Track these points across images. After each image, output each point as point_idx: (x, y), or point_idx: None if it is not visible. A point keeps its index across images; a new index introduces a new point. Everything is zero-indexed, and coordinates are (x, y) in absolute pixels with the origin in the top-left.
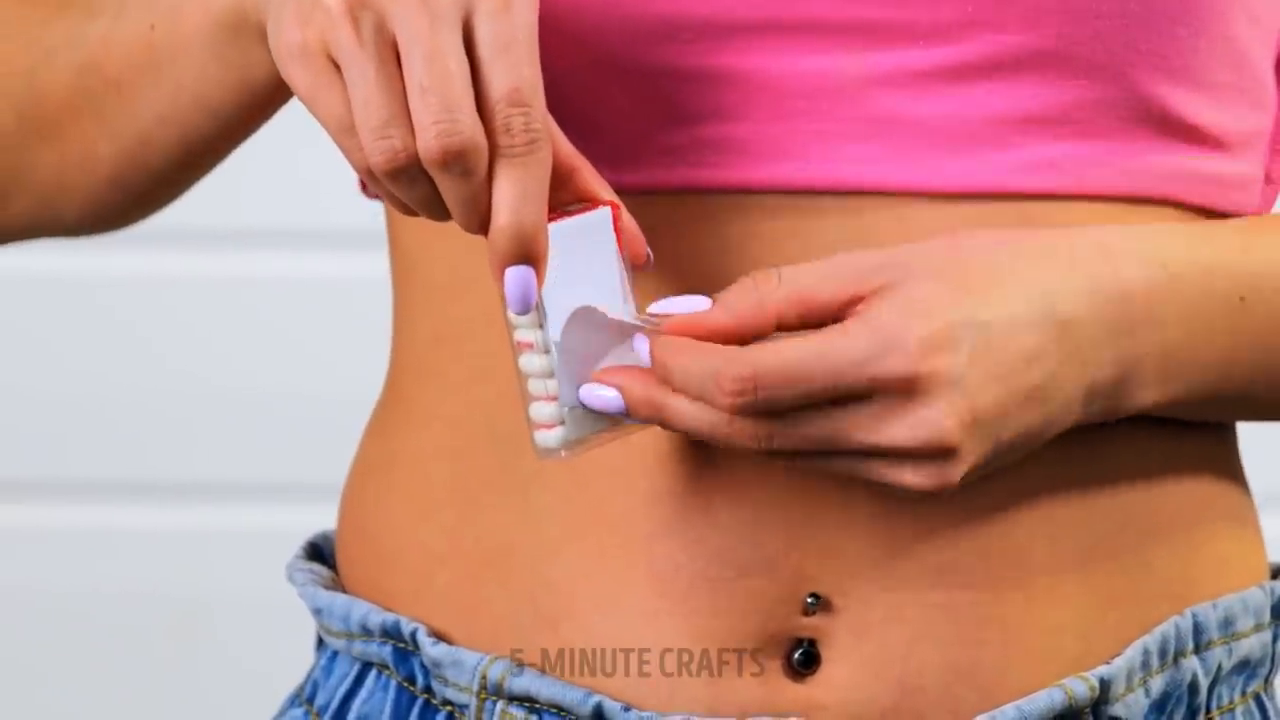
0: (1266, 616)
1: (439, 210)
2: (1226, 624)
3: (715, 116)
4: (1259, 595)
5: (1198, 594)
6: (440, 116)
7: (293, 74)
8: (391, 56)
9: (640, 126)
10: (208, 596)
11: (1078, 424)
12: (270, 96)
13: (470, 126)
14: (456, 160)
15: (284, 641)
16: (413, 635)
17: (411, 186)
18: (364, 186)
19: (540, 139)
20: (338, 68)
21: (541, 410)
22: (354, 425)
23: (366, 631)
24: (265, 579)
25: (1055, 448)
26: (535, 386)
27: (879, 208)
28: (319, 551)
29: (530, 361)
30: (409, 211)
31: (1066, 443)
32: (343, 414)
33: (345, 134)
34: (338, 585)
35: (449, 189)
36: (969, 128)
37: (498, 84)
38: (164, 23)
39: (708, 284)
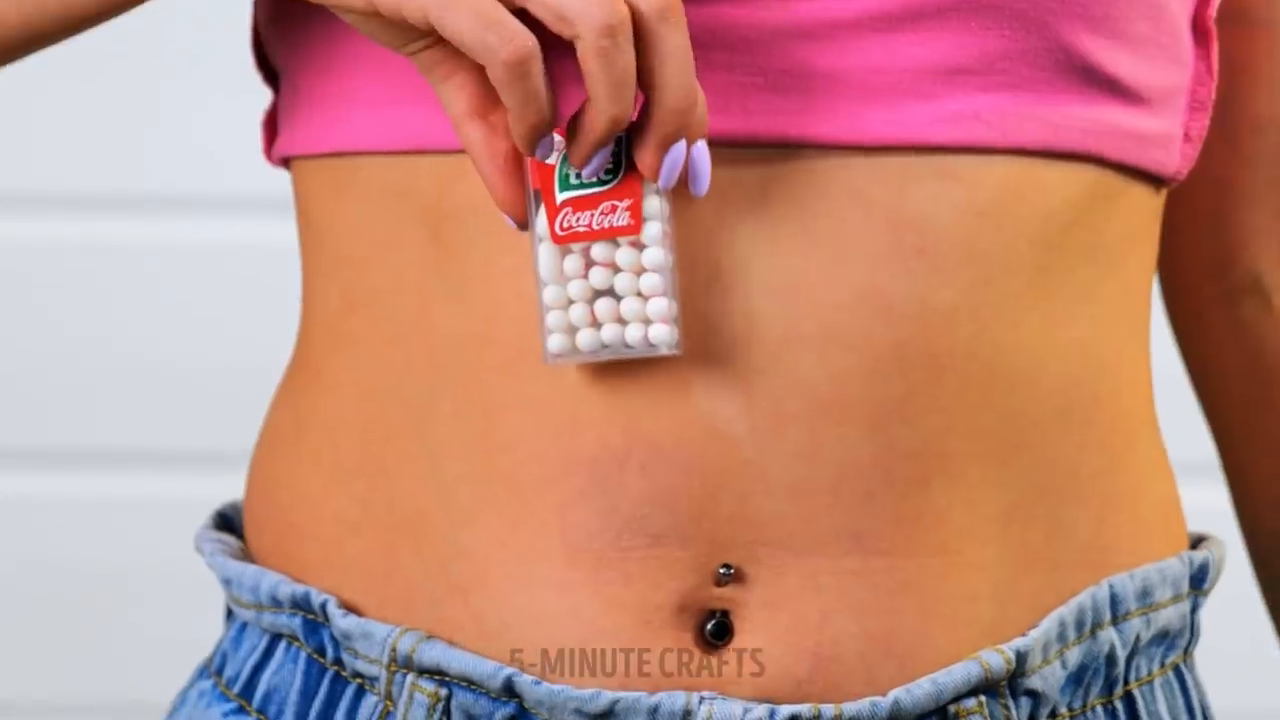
0: (1185, 587)
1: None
2: (1144, 594)
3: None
4: (1177, 566)
5: (1116, 560)
6: (507, 36)
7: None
8: None
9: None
10: (119, 566)
11: None
12: None
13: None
14: (623, 26)
15: (197, 611)
16: (323, 607)
17: (529, 81)
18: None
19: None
20: None
21: (647, 306)
22: (264, 393)
23: (276, 603)
24: (177, 548)
25: (973, 408)
26: (650, 282)
27: (797, 160)
28: (228, 521)
29: (653, 256)
30: (538, 121)
31: (986, 402)
32: (253, 382)
33: (493, 27)
34: (247, 555)
35: (611, 62)
36: (889, 79)
37: None
38: None
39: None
